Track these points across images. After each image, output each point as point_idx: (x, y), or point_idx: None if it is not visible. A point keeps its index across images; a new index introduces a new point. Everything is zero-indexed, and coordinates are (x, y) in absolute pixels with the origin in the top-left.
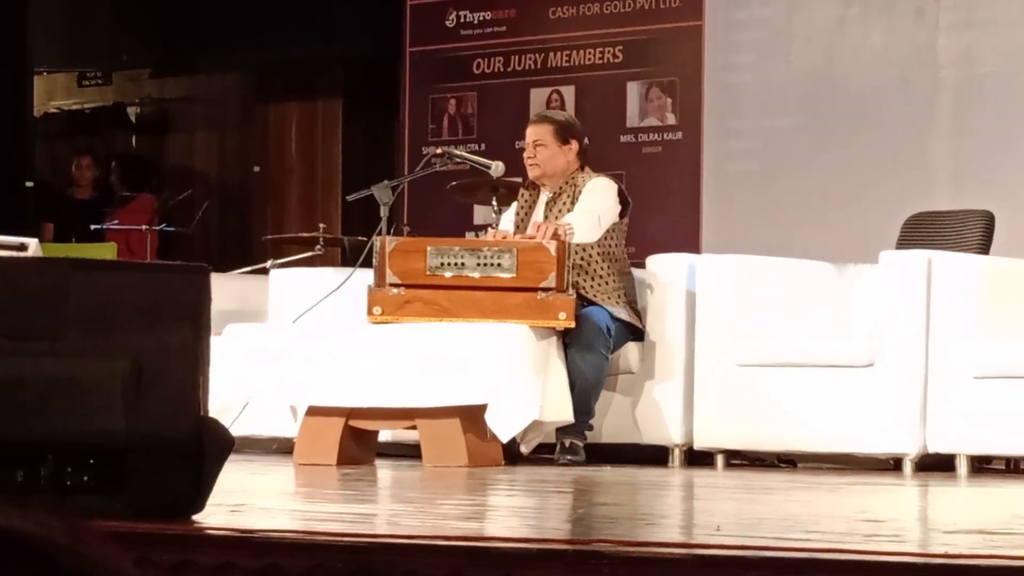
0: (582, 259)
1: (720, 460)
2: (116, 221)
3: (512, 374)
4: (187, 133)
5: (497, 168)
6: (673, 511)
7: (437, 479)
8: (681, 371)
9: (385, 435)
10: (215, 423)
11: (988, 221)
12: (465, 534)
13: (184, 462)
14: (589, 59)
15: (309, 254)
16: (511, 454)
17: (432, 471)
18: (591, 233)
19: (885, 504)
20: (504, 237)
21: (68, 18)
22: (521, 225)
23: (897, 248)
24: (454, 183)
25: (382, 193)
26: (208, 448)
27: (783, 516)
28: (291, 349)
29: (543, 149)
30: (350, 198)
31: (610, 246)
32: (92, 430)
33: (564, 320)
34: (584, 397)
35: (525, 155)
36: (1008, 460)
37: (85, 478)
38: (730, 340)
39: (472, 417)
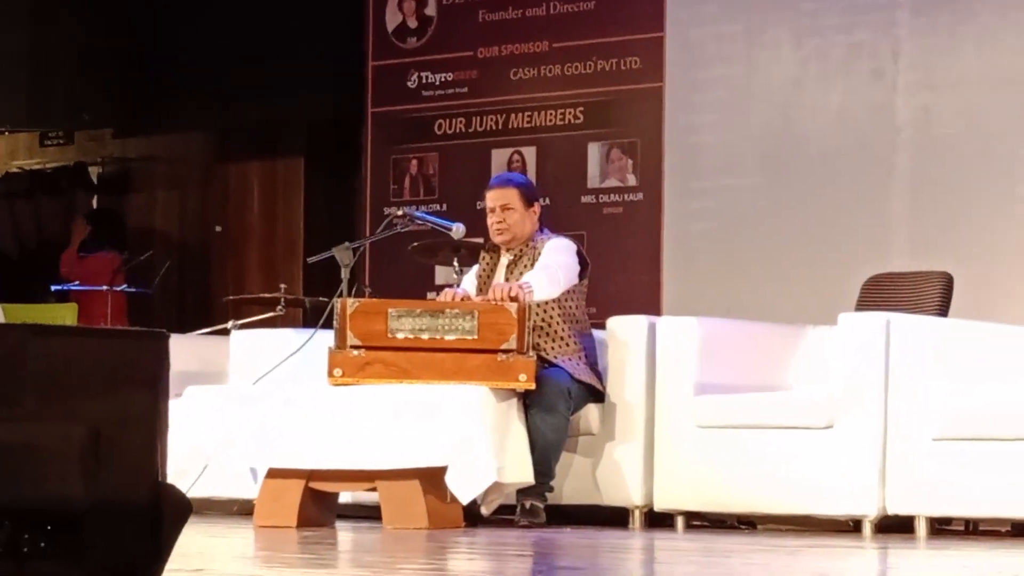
0: (543, 320)
1: (680, 522)
2: (76, 281)
3: (472, 436)
4: (148, 192)
5: (458, 230)
6: (633, 574)
7: (397, 542)
8: (641, 432)
9: (345, 497)
10: (173, 489)
11: (947, 283)
12: None
13: (142, 528)
14: (550, 120)
15: (270, 315)
16: (471, 516)
17: (392, 533)
18: (551, 288)
19: (844, 567)
20: (462, 299)
21: (30, 77)
22: (483, 288)
23: (856, 309)
24: (415, 244)
25: (343, 255)
26: (166, 514)
27: None
28: (251, 411)
29: (512, 213)
30: (311, 260)
31: (570, 307)
32: (49, 496)
33: (524, 382)
34: (544, 458)
35: (492, 220)
36: (967, 522)
37: (42, 544)
38: (690, 401)
39: (432, 479)
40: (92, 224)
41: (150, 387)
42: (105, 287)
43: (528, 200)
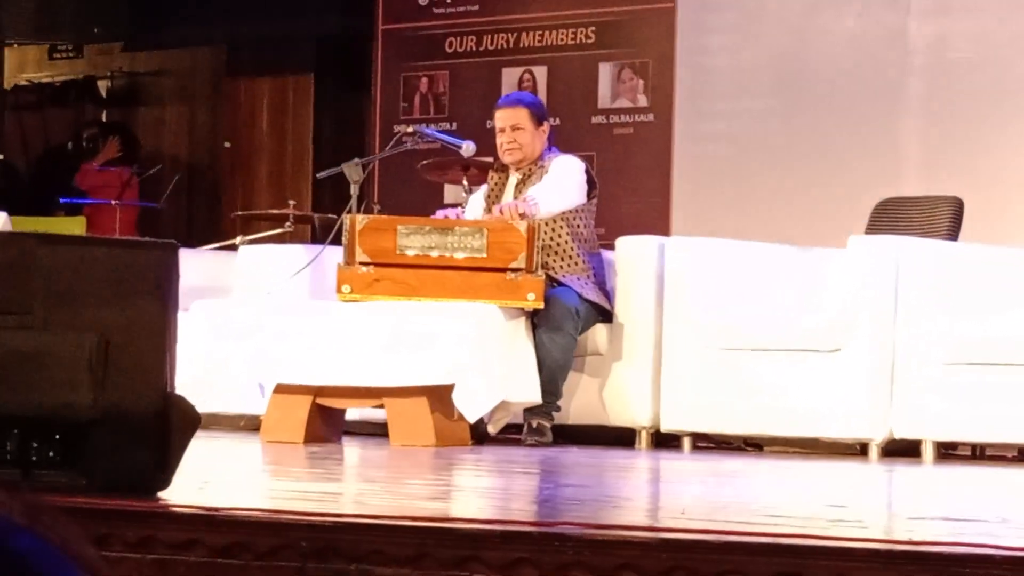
0: (551, 239)
1: (687, 443)
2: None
3: (480, 354)
4: (157, 107)
5: (468, 148)
6: (639, 494)
7: (403, 458)
8: (649, 353)
9: (353, 413)
10: (182, 399)
11: (957, 207)
12: (430, 515)
13: (150, 438)
14: (562, 39)
15: (279, 231)
16: (478, 434)
17: (399, 450)
18: (557, 202)
19: (850, 489)
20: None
21: None
22: (491, 207)
23: (866, 233)
24: (425, 162)
25: (352, 171)
26: (174, 424)
27: (748, 500)
28: (260, 326)
29: (522, 133)
30: (320, 175)
31: (579, 227)
32: (58, 404)
33: (533, 301)
34: (552, 378)
35: (502, 140)
36: (974, 446)
37: (51, 453)
38: (698, 323)
39: (439, 396)
40: (123, 145)
41: (159, 297)
42: (114, 201)
43: (538, 120)
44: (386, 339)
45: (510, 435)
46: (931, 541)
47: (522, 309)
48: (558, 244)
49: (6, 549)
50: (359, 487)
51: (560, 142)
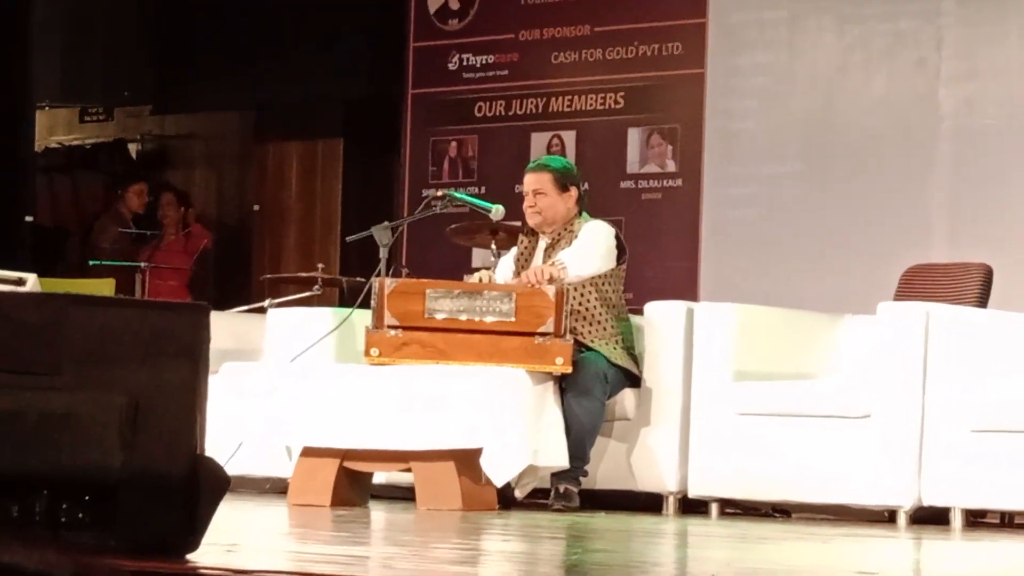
0: (580, 304)
1: (714, 508)
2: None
3: (508, 418)
4: (187, 170)
5: (497, 212)
6: (667, 559)
7: (431, 522)
8: (677, 418)
9: (380, 477)
10: (211, 461)
11: (987, 275)
12: None
13: (179, 500)
14: (590, 104)
15: (307, 294)
16: (505, 498)
17: (426, 514)
18: (586, 266)
19: (879, 556)
20: (487, 281)
21: (70, 53)
22: (521, 272)
23: (895, 299)
24: (454, 226)
25: (381, 234)
26: (204, 486)
27: (777, 566)
28: (287, 389)
29: (543, 197)
30: (350, 239)
31: (608, 292)
32: (87, 465)
33: (561, 365)
34: (579, 443)
35: (525, 204)
36: (1003, 514)
37: (80, 514)
38: (726, 388)
39: (467, 461)
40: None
41: (190, 359)
42: (143, 263)
43: (562, 185)
44: (413, 403)
45: (537, 500)
46: None
47: (550, 373)
48: (586, 309)
49: None
50: (386, 551)
51: (588, 207)
